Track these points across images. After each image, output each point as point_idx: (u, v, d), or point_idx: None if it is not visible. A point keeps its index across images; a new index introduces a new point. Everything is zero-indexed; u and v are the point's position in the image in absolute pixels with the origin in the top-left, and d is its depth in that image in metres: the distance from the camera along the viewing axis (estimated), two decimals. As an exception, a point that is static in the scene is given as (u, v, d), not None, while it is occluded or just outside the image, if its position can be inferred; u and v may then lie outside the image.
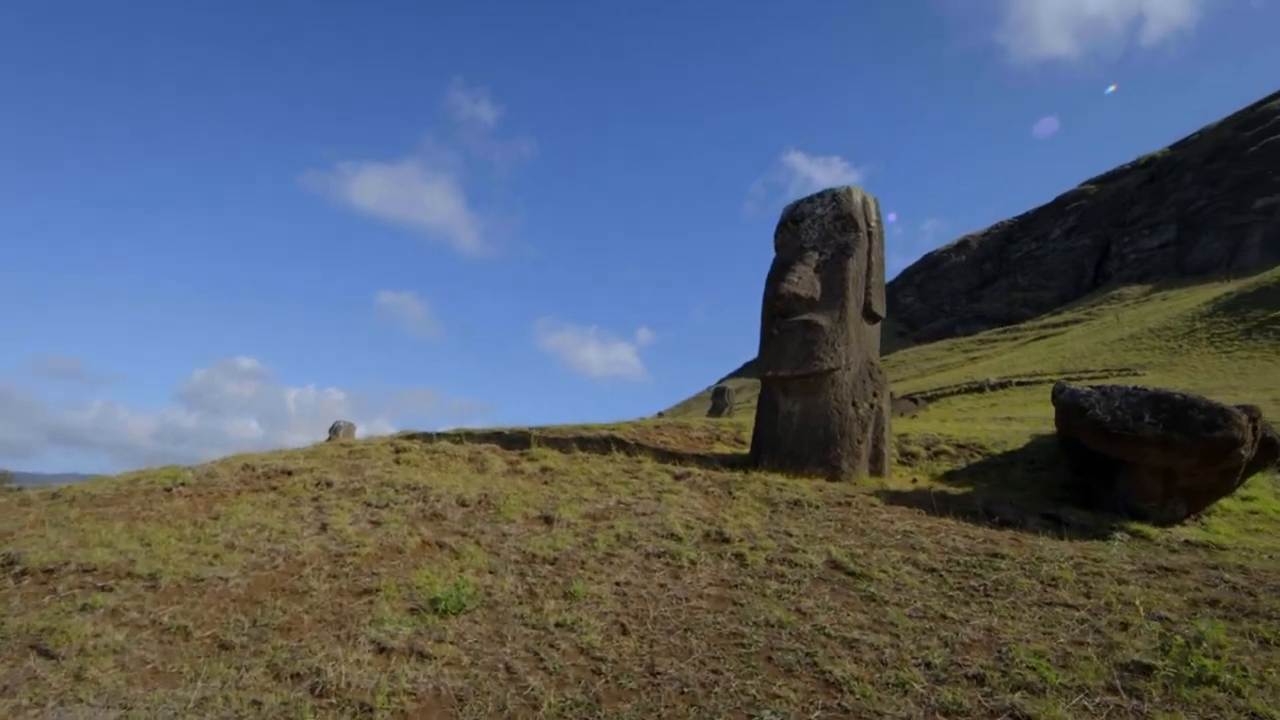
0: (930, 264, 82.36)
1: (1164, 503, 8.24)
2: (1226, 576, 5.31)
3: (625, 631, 4.58)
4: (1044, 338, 47.81)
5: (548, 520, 6.90)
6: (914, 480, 10.50)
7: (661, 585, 5.38)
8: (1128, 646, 4.17)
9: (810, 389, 9.88)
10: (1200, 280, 50.04)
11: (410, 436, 10.92)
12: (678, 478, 8.67)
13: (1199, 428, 6.82)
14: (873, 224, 10.69)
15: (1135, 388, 7.29)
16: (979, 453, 12.36)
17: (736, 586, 5.36)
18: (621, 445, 11.07)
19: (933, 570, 5.62)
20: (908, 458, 12.03)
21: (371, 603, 5.01)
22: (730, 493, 8.07)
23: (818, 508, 7.43)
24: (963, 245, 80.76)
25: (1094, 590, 5.11)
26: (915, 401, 28.93)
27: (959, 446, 12.69)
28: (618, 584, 5.38)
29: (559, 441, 10.95)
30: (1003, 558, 5.82)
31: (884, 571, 5.56)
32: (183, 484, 7.97)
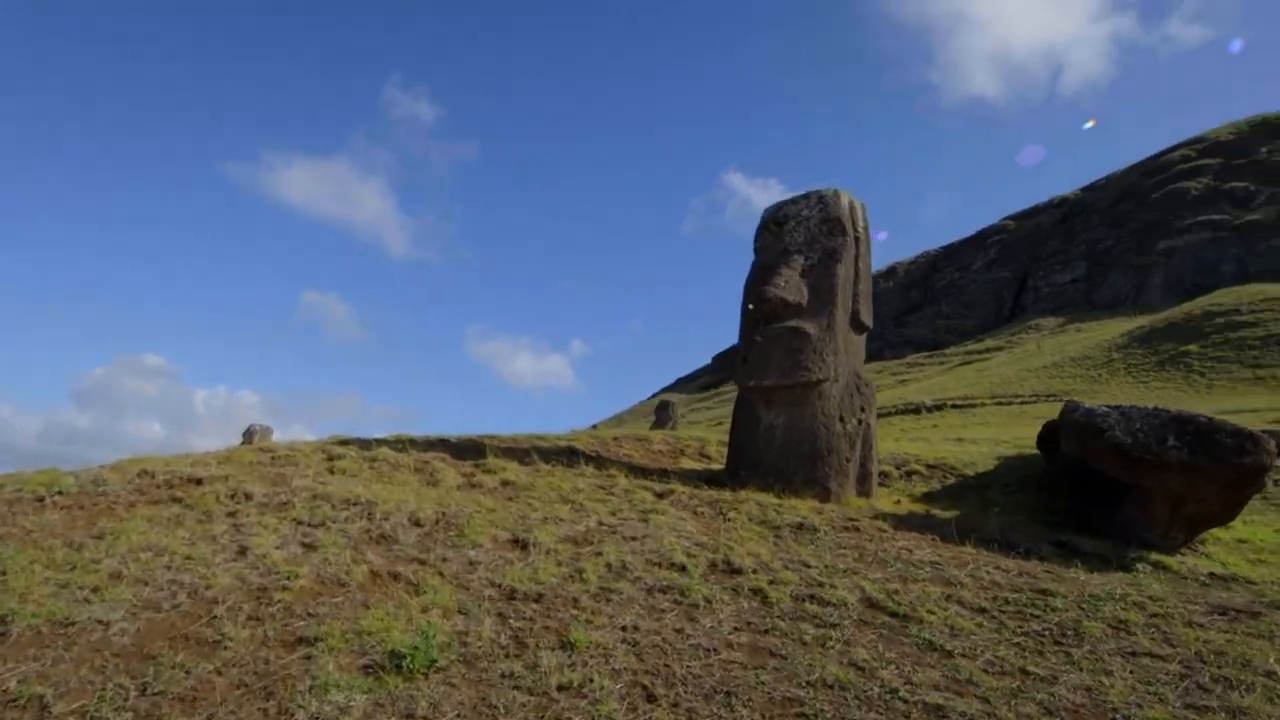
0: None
1: (1167, 530, 7.88)
2: (1303, 620, 4.79)
3: (652, 698, 3.58)
4: (969, 363, 49.58)
5: (521, 545, 5.80)
6: (897, 501, 9.92)
7: (678, 630, 4.40)
8: (1260, 712, 3.50)
9: (796, 401, 9.14)
10: (1109, 314, 53.21)
11: (344, 442, 9.53)
12: (659, 495, 7.71)
13: (1228, 453, 6.44)
14: (860, 229, 10.11)
15: (1156, 409, 6.87)
16: (951, 474, 11.97)
17: (767, 632, 4.44)
18: (586, 458, 10.04)
19: (983, 610, 4.87)
20: (881, 477, 11.47)
21: (310, 658, 3.81)
22: (722, 514, 7.18)
23: (825, 533, 6.62)
24: (891, 272, 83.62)
25: (1173, 637, 4.47)
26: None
27: (929, 467, 12.30)
28: (624, 629, 4.37)
29: (515, 452, 9.81)
30: (1052, 595, 5.15)
31: (930, 612, 4.77)
32: (59, 492, 6.42)
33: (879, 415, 34.08)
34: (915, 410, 31.95)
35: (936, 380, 45.77)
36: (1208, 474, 6.56)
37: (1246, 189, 56.09)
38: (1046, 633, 4.51)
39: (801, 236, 9.83)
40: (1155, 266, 55.78)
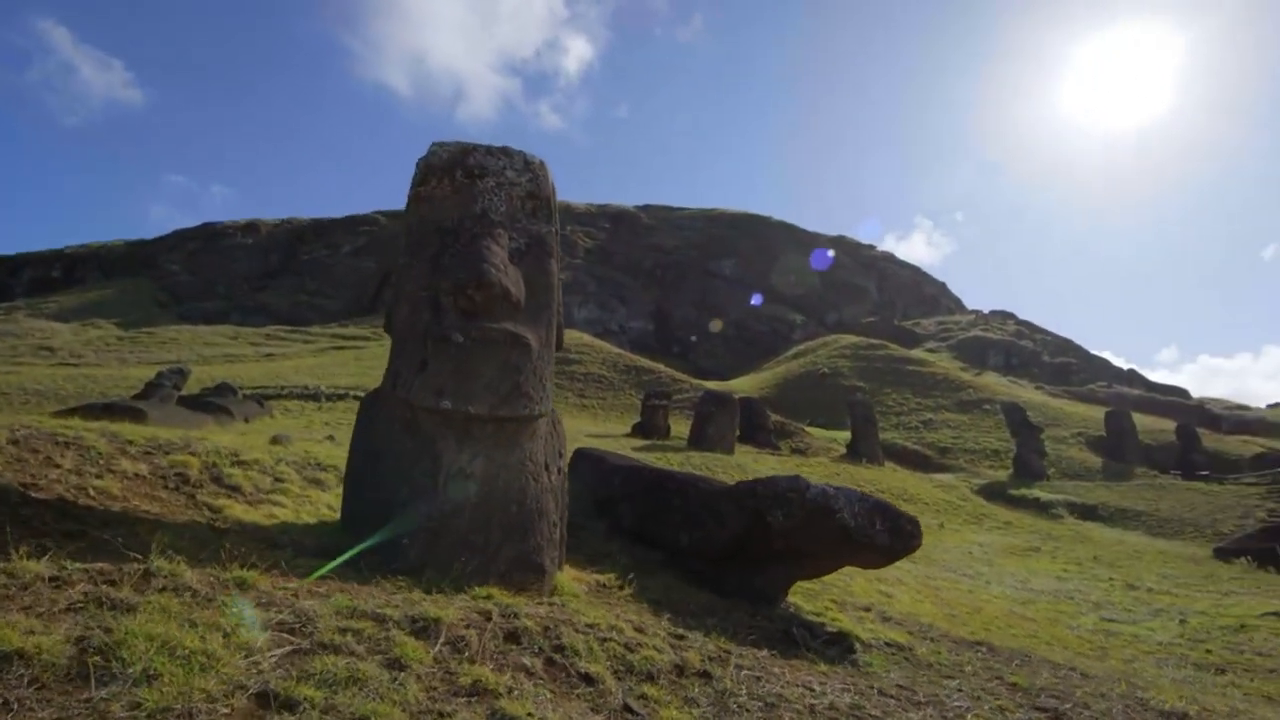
0: (211, 234, 71.94)
1: (789, 590, 8.69)
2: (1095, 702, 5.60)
3: None
4: (342, 348, 47.71)
5: None
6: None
7: None
8: None
9: (504, 441, 6.23)
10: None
11: None
12: (421, 635, 3.78)
13: (907, 536, 7.39)
14: (557, 220, 8.01)
15: (862, 495, 7.40)
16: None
17: None
18: (50, 512, 4.47)
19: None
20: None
21: None
22: (558, 663, 4.03)
23: (717, 678, 4.43)
24: (252, 227, 74.22)
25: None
26: (260, 403, 23.74)
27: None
28: None
29: None
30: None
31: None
32: None
33: (265, 396, 28.93)
34: (314, 396, 28.34)
35: (310, 361, 42.11)
36: (896, 553, 7.43)
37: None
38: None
39: (504, 206, 6.87)
40: (496, 295, 66.37)
